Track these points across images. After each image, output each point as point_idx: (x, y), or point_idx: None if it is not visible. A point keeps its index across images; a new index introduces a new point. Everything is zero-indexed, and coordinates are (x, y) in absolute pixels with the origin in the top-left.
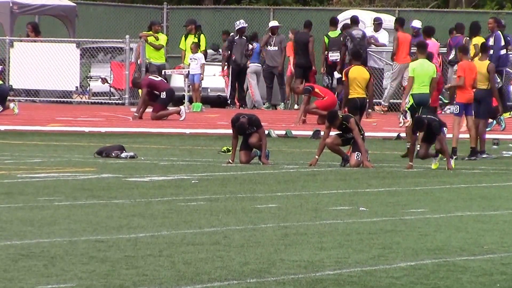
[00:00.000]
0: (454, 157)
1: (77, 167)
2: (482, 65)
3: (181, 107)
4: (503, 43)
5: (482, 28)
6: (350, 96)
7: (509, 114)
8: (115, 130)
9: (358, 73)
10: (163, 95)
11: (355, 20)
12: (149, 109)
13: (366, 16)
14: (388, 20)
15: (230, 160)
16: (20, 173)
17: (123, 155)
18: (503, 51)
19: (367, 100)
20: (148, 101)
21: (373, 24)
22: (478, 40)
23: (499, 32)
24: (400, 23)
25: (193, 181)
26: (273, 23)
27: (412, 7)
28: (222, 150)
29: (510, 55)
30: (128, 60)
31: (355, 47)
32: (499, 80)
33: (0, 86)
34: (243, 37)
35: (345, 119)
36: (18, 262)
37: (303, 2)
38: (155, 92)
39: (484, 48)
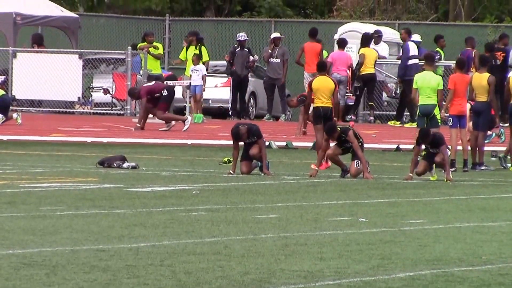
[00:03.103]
0: (453, 169)
1: (79, 177)
2: (482, 77)
3: (188, 117)
4: (414, 53)
5: (479, 40)
6: (314, 105)
7: (399, 124)
8: (117, 141)
9: (321, 83)
10: (165, 92)
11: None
12: (150, 120)
13: (366, 29)
14: (389, 33)
15: (231, 171)
16: (23, 182)
17: (125, 165)
18: (412, 61)
19: (331, 109)
20: (151, 109)
21: (374, 36)
22: (364, 51)
23: (408, 43)
24: (311, 33)
25: (194, 192)
26: (275, 34)
27: (412, 20)
28: (223, 161)
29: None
30: (130, 71)
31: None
32: (398, 91)
33: (2, 96)
34: (245, 49)
35: (343, 132)
36: (20, 271)
37: (304, 15)
38: (156, 95)
39: (482, 60)
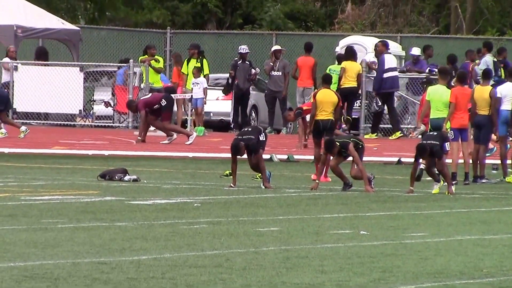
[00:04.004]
0: (454, 182)
1: (80, 190)
2: (484, 90)
3: (194, 132)
4: (390, 65)
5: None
6: (315, 118)
7: (400, 134)
8: (118, 153)
9: (325, 96)
10: (163, 102)
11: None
12: (151, 133)
13: (368, 42)
14: (390, 46)
15: (231, 184)
16: (24, 195)
17: (126, 178)
18: (388, 74)
19: (332, 121)
20: (153, 122)
21: (374, 49)
22: (345, 64)
23: (384, 55)
24: (306, 47)
25: (195, 204)
26: (276, 47)
27: (413, 33)
28: (225, 174)
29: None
30: (132, 84)
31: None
32: (380, 103)
33: None
34: (246, 62)
35: (343, 147)
36: (22, 284)
37: (306, 28)
38: (155, 107)
39: (485, 73)
